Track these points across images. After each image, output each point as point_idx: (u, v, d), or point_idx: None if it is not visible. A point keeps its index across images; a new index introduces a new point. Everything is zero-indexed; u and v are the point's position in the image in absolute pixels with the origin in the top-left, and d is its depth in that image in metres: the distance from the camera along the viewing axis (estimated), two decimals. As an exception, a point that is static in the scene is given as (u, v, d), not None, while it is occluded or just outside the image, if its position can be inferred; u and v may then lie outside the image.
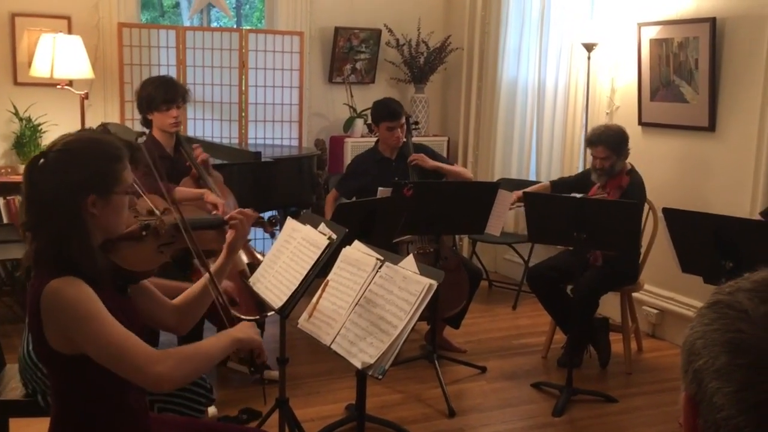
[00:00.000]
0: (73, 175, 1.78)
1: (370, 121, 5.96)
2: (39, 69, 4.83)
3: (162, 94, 3.68)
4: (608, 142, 4.05)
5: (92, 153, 1.83)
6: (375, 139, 5.80)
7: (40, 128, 5.05)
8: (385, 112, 4.37)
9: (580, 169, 5.13)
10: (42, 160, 1.79)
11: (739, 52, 4.20)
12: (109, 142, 1.91)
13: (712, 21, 4.24)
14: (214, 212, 3.55)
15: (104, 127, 4.37)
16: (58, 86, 4.90)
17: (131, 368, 1.76)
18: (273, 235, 2.45)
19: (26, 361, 2.55)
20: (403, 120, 4.40)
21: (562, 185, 4.35)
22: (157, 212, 2.07)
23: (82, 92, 4.92)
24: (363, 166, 4.49)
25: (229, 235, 2.25)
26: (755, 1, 4.09)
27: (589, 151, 4.26)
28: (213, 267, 2.13)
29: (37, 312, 1.76)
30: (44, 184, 1.78)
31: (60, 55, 4.79)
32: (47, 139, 5.08)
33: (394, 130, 4.35)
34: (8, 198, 4.87)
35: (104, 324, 1.74)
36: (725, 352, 0.78)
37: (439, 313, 4.17)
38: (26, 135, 5.05)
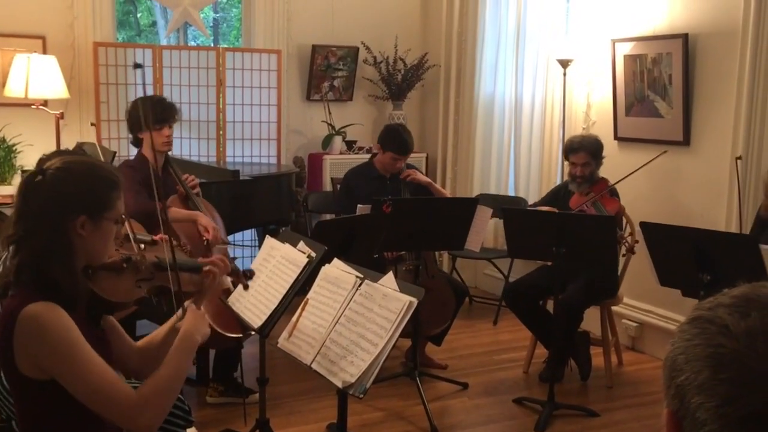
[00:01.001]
0: (67, 193, 1.78)
1: (349, 138, 6.00)
2: (13, 89, 4.79)
3: (157, 113, 3.65)
4: (588, 148, 4.14)
5: (91, 175, 1.84)
6: (354, 156, 5.83)
7: (14, 148, 5.00)
8: (396, 146, 4.35)
9: (558, 182, 5.16)
10: (39, 177, 1.79)
11: (712, 67, 4.26)
12: (108, 168, 1.94)
13: (685, 37, 4.30)
14: (205, 235, 3.54)
15: (80, 147, 4.35)
16: (33, 106, 4.86)
17: (113, 413, 1.75)
18: (246, 288, 2.43)
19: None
20: (408, 157, 4.42)
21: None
22: (141, 246, 2.06)
23: (58, 112, 4.87)
24: (357, 181, 4.45)
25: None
26: (726, 17, 4.16)
27: (567, 162, 4.29)
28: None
29: (8, 335, 1.72)
30: (37, 199, 1.78)
31: (35, 75, 4.75)
32: (22, 160, 5.02)
33: (398, 161, 4.36)
34: (-18, 219, 4.80)
35: (84, 360, 1.71)
36: (707, 367, 0.78)
37: (424, 330, 4.16)
38: (1, 156, 4.99)
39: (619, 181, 4.14)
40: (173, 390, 1.84)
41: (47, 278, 1.74)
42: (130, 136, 3.84)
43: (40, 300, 1.72)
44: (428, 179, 4.56)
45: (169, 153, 3.84)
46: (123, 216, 1.91)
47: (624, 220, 4.19)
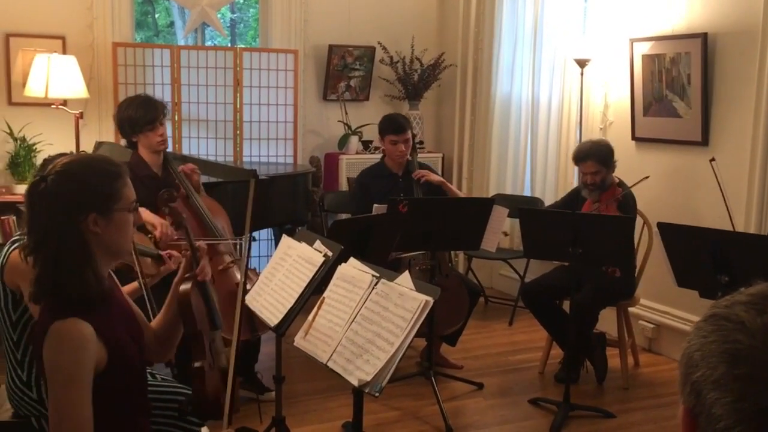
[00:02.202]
0: (71, 195, 1.78)
1: (365, 138, 6.02)
2: (34, 89, 4.84)
3: (143, 115, 3.58)
4: (597, 156, 4.07)
5: (90, 172, 1.83)
6: (369, 156, 5.84)
7: (34, 148, 5.05)
8: (390, 126, 4.39)
9: (575, 184, 5.14)
10: (42, 185, 1.79)
11: (731, 67, 4.23)
12: (106, 160, 1.93)
13: (704, 36, 4.27)
14: (154, 232, 3.39)
15: (98, 146, 4.39)
16: (53, 106, 4.90)
17: None
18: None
19: (12, 388, 2.53)
20: (408, 135, 4.40)
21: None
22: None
23: (77, 112, 4.92)
24: (370, 181, 4.46)
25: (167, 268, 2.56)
26: (746, 16, 4.12)
27: (577, 168, 4.25)
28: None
29: (40, 347, 1.79)
30: (43, 207, 1.78)
31: (55, 75, 4.80)
32: (42, 159, 5.07)
33: (398, 144, 4.35)
34: (3, 218, 4.86)
35: (71, 396, 1.74)
36: (723, 362, 0.79)
37: (438, 330, 4.16)
38: (21, 155, 5.05)
39: (625, 191, 4.06)
40: None
41: (62, 288, 1.78)
42: (123, 140, 3.76)
43: (68, 313, 1.76)
44: (441, 178, 4.54)
45: (185, 152, 3.83)
46: (136, 202, 1.92)
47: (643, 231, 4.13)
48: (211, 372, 2.28)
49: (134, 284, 2.75)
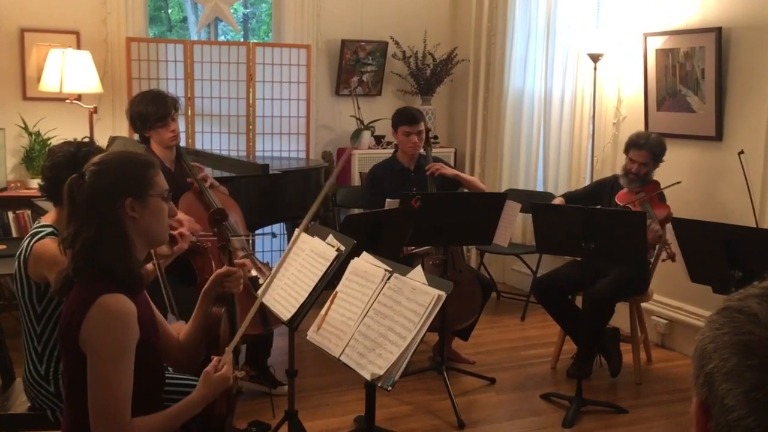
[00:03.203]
0: (108, 182, 1.89)
1: (377, 133, 6.02)
2: (48, 83, 4.87)
3: (154, 111, 3.58)
4: (652, 148, 4.05)
5: (124, 162, 1.96)
6: (382, 151, 5.85)
7: (49, 142, 5.08)
8: (404, 117, 4.39)
9: (588, 179, 5.13)
10: (81, 180, 1.89)
11: (746, 62, 4.20)
12: (138, 153, 2.10)
13: (718, 31, 4.25)
14: (212, 209, 3.44)
15: (112, 141, 4.41)
16: (67, 101, 4.94)
17: (99, 426, 1.79)
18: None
19: (29, 381, 2.55)
20: (422, 127, 4.39)
21: (573, 199, 4.35)
22: None
23: (91, 106, 4.95)
24: (383, 175, 4.47)
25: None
26: (760, 10, 4.09)
27: (626, 155, 4.16)
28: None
29: (79, 319, 1.80)
30: (83, 199, 1.88)
31: (69, 70, 4.83)
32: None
33: (411, 136, 4.35)
34: (18, 212, 4.90)
35: (118, 371, 1.79)
36: (736, 353, 0.79)
37: (451, 325, 4.16)
38: (35, 149, 5.09)
39: (667, 186, 4.07)
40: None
41: (100, 265, 1.84)
42: (136, 135, 3.78)
43: (112, 290, 1.82)
44: (455, 171, 4.53)
45: (198, 147, 3.83)
46: (169, 192, 2.01)
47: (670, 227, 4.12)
48: (221, 396, 2.22)
49: (149, 266, 2.78)
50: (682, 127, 4.55)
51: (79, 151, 2.50)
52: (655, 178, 4.17)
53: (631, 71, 4.89)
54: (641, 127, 4.76)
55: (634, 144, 4.10)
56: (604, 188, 4.28)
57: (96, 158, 1.97)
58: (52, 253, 2.37)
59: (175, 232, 2.74)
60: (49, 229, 2.50)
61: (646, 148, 4.04)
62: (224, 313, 2.23)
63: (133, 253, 1.90)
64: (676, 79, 4.55)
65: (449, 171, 4.46)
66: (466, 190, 4.50)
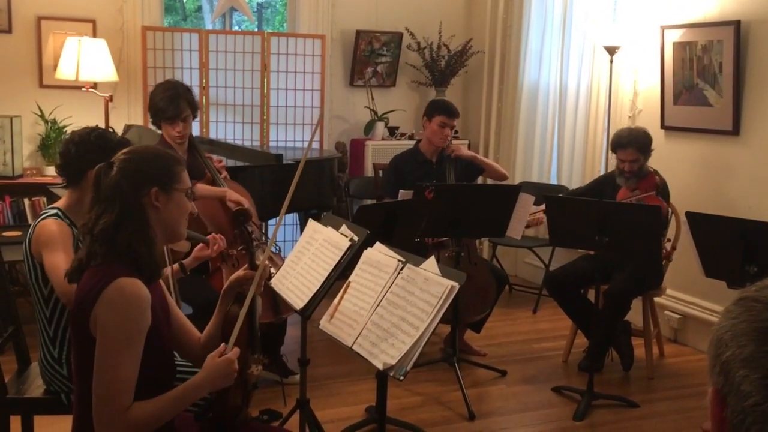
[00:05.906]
0: (137, 171, 1.91)
1: (391, 124, 6.01)
2: (64, 72, 4.89)
3: (164, 108, 3.62)
4: (637, 143, 4.02)
5: (155, 154, 2.00)
6: (396, 142, 5.84)
7: (65, 130, 5.11)
8: (443, 108, 4.40)
9: (602, 172, 5.10)
10: (109, 169, 1.91)
11: (765, 56, 4.16)
12: (166, 149, 2.11)
13: (737, 24, 4.21)
14: (237, 208, 3.55)
15: (128, 129, 4.43)
16: (83, 89, 4.96)
17: (100, 409, 1.80)
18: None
19: (44, 364, 2.58)
20: (455, 122, 4.43)
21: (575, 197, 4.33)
22: None
23: (107, 95, 4.97)
24: (404, 166, 4.45)
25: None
26: (781, 3, 4.05)
27: (614, 155, 4.19)
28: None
29: (93, 299, 1.81)
30: (109, 184, 1.89)
31: (85, 58, 4.85)
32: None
33: (446, 128, 4.36)
34: (33, 199, 4.93)
35: (126, 355, 1.79)
36: (752, 341, 0.80)
37: (465, 317, 4.16)
38: (51, 137, 5.12)
39: (660, 182, 4.03)
40: (161, 422, 1.89)
41: (119, 249, 1.85)
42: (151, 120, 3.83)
43: (130, 274, 1.83)
44: (472, 153, 4.56)
45: (212, 137, 3.85)
46: (192, 190, 2.02)
47: (671, 221, 4.10)
48: (236, 388, 2.21)
49: (175, 266, 2.81)
50: (698, 121, 4.52)
51: (112, 137, 2.57)
52: (654, 168, 4.13)
53: (648, 64, 4.85)
54: (657, 121, 4.73)
55: (618, 144, 4.08)
56: (605, 185, 4.26)
57: (126, 149, 2.00)
58: (49, 232, 2.45)
59: (209, 237, 2.85)
60: (54, 211, 2.53)
61: (632, 146, 4.02)
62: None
63: (153, 239, 1.91)
64: (693, 73, 4.51)
65: (466, 152, 4.47)
66: (486, 178, 4.50)
